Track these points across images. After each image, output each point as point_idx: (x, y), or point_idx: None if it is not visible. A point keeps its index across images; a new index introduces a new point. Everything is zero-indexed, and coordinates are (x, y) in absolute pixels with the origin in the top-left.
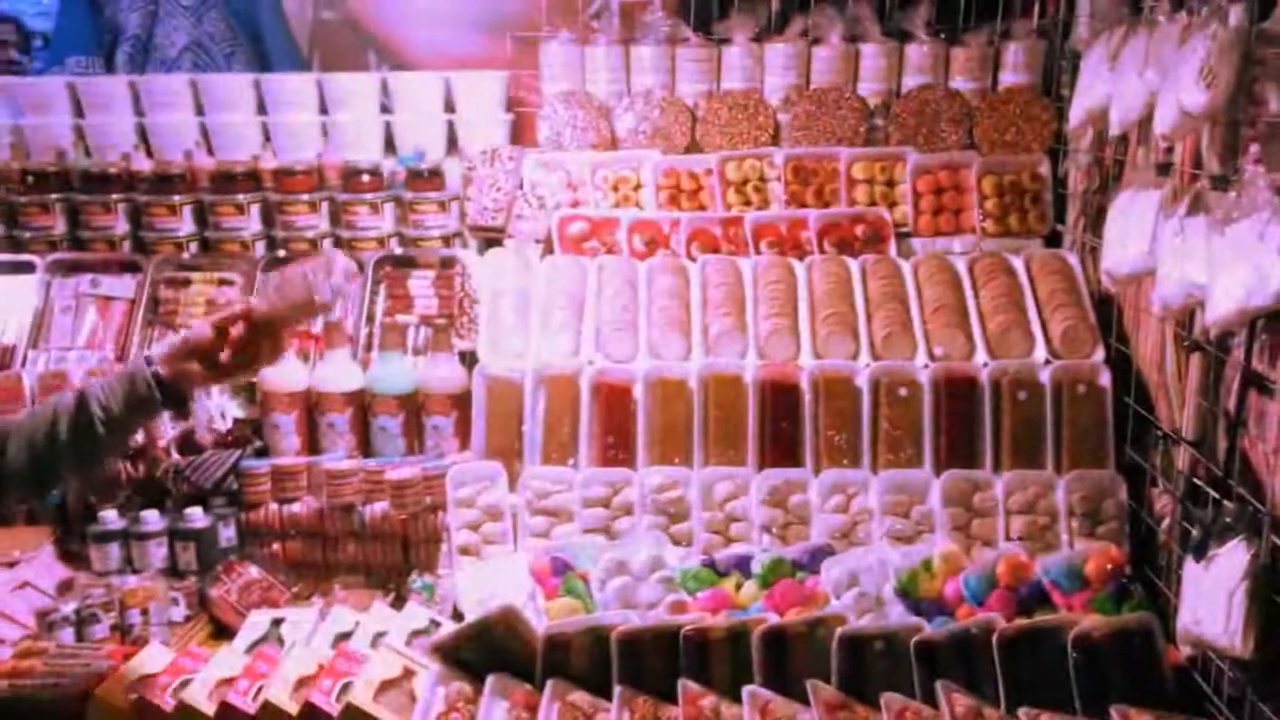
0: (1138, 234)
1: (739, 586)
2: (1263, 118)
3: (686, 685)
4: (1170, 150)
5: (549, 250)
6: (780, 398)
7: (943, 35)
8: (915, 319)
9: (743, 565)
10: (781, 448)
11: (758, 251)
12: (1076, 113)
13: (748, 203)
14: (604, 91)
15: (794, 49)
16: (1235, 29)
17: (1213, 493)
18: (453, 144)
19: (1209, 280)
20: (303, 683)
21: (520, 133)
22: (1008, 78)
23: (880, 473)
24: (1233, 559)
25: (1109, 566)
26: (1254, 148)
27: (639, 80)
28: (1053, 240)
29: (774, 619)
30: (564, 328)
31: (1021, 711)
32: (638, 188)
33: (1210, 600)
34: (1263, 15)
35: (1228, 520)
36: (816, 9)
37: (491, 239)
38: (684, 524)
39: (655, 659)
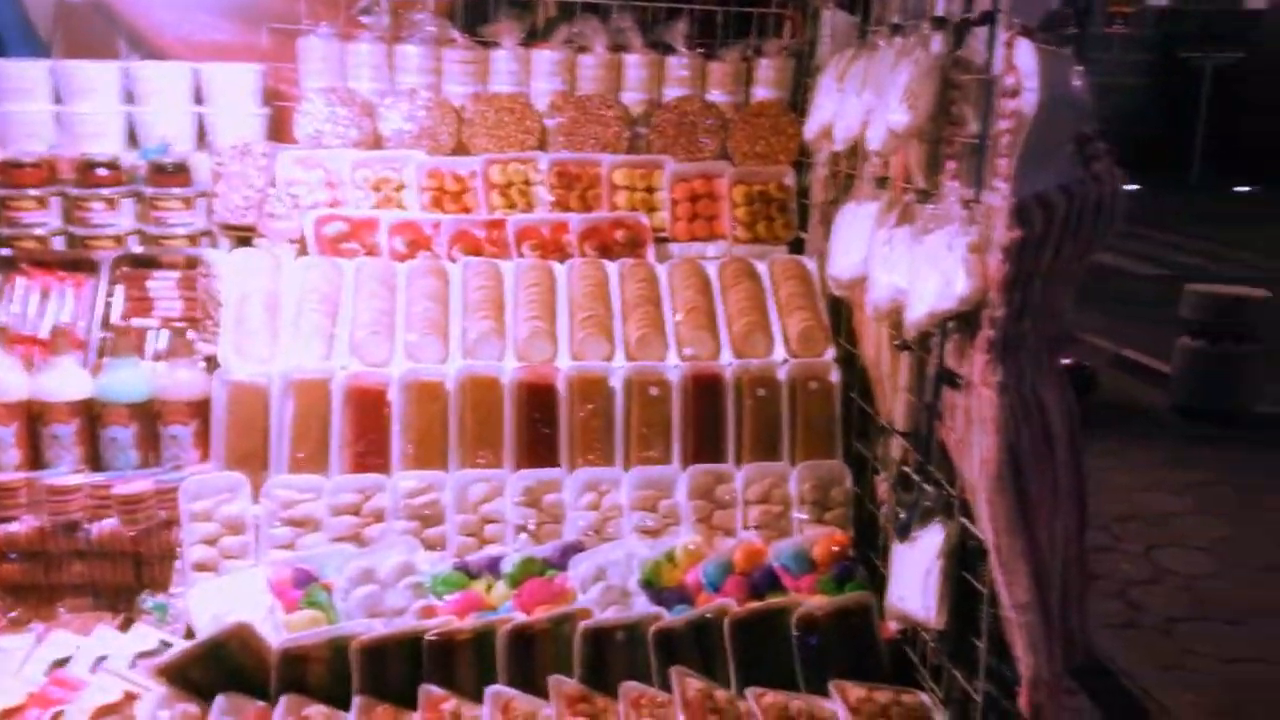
0: (857, 242)
1: (490, 588)
2: (959, 137)
3: (428, 690)
4: (887, 165)
5: (304, 251)
6: (537, 399)
7: (701, 50)
8: (668, 321)
9: (494, 567)
10: (538, 448)
11: (520, 254)
12: (811, 127)
13: (512, 205)
14: (367, 89)
15: (561, 56)
16: (935, 56)
17: (918, 479)
18: (204, 138)
19: (909, 285)
20: (8, 715)
21: (278, 128)
22: (760, 92)
23: (631, 469)
24: (930, 539)
25: (834, 550)
26: (951, 165)
27: (404, 79)
28: (797, 247)
29: (521, 618)
30: (316, 331)
31: (749, 691)
32: (400, 188)
33: (912, 577)
34: (960, 45)
35: (927, 504)
36: (583, 18)
37: (242, 238)
38: (438, 528)
39: (399, 667)
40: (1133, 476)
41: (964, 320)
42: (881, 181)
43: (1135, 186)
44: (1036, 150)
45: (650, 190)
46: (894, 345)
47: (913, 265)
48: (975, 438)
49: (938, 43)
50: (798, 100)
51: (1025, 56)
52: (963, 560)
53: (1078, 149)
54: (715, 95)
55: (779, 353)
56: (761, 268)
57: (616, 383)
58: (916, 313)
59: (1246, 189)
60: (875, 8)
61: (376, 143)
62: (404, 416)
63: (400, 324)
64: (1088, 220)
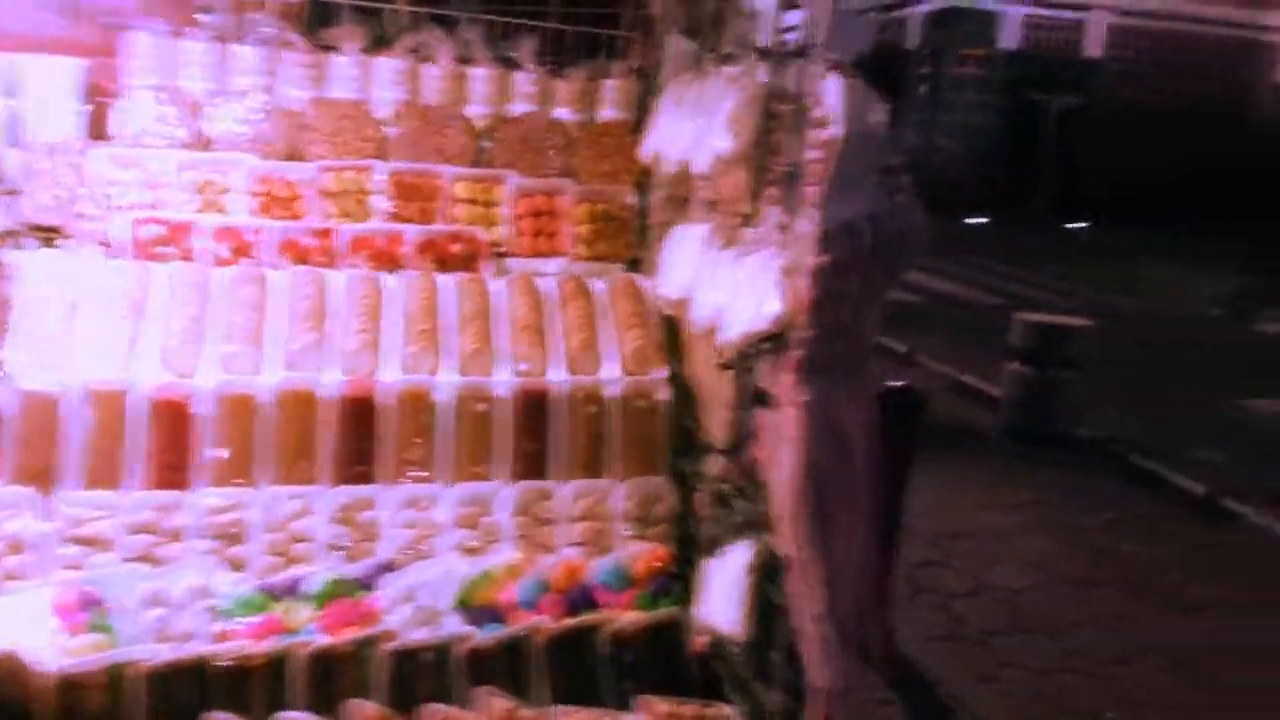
0: (686, 263)
1: (288, 611)
2: (779, 164)
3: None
4: (717, 188)
5: (120, 254)
6: (359, 414)
7: (549, 67)
8: (502, 336)
9: (298, 588)
10: (357, 465)
11: (351, 265)
12: (646, 149)
13: (347, 215)
14: (198, 89)
15: (404, 65)
16: (758, 85)
17: (735, 496)
18: (15, 133)
19: (728, 306)
20: None
21: (101, 125)
22: (606, 112)
23: (453, 485)
24: (739, 554)
25: (654, 566)
26: (772, 190)
27: (238, 81)
28: (639, 266)
29: (321, 641)
30: (119, 338)
31: (556, 709)
32: (225, 192)
33: (721, 592)
34: (781, 76)
35: (738, 520)
36: (429, 29)
37: (48, 239)
38: (242, 547)
39: (187, 694)
40: (964, 495)
41: (776, 341)
42: (712, 205)
43: (983, 220)
44: (843, 180)
45: (491, 204)
46: (717, 364)
47: (732, 287)
48: (780, 455)
49: (762, 73)
50: (642, 121)
51: (833, 91)
52: (770, 575)
53: (883, 181)
54: (561, 113)
55: (611, 370)
56: (598, 286)
57: (444, 398)
58: (732, 332)
59: (1084, 225)
60: (713, 35)
61: (205, 145)
62: (213, 430)
63: (214, 333)
64: (892, 248)
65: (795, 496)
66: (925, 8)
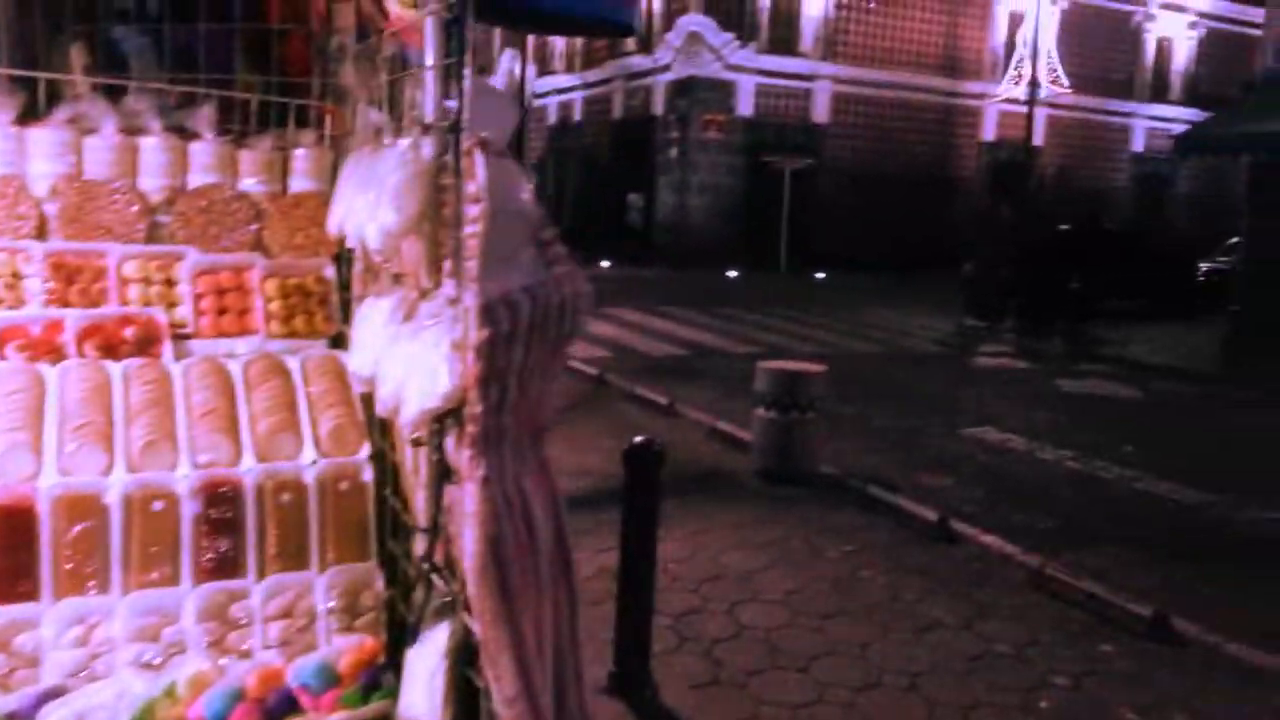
0: (373, 338)
1: None
2: (450, 237)
3: None
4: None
5: None
6: (13, 524)
7: (232, 136)
8: (181, 425)
9: None
10: (18, 581)
11: (2, 357)
12: (332, 221)
13: None
14: None
15: (64, 136)
16: (424, 160)
17: (435, 576)
18: None
19: (406, 382)
20: None
21: None
22: (298, 183)
23: (128, 596)
24: (437, 638)
25: (363, 659)
26: (447, 263)
27: None
28: (340, 342)
29: None
30: None
31: None
32: None
33: (421, 680)
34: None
35: (438, 602)
36: (90, 97)
37: None
38: None
39: None
40: (720, 539)
41: (453, 417)
42: (397, 278)
43: (734, 273)
44: (498, 254)
45: (170, 283)
46: (410, 441)
47: (409, 362)
48: (465, 531)
49: (428, 147)
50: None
51: (479, 167)
52: (468, 658)
53: (540, 253)
54: (249, 184)
55: (308, 454)
56: (293, 364)
57: (113, 499)
58: (410, 410)
59: (822, 276)
60: (394, 107)
61: None
62: None
63: None
64: (553, 319)
65: (478, 574)
66: (669, 76)
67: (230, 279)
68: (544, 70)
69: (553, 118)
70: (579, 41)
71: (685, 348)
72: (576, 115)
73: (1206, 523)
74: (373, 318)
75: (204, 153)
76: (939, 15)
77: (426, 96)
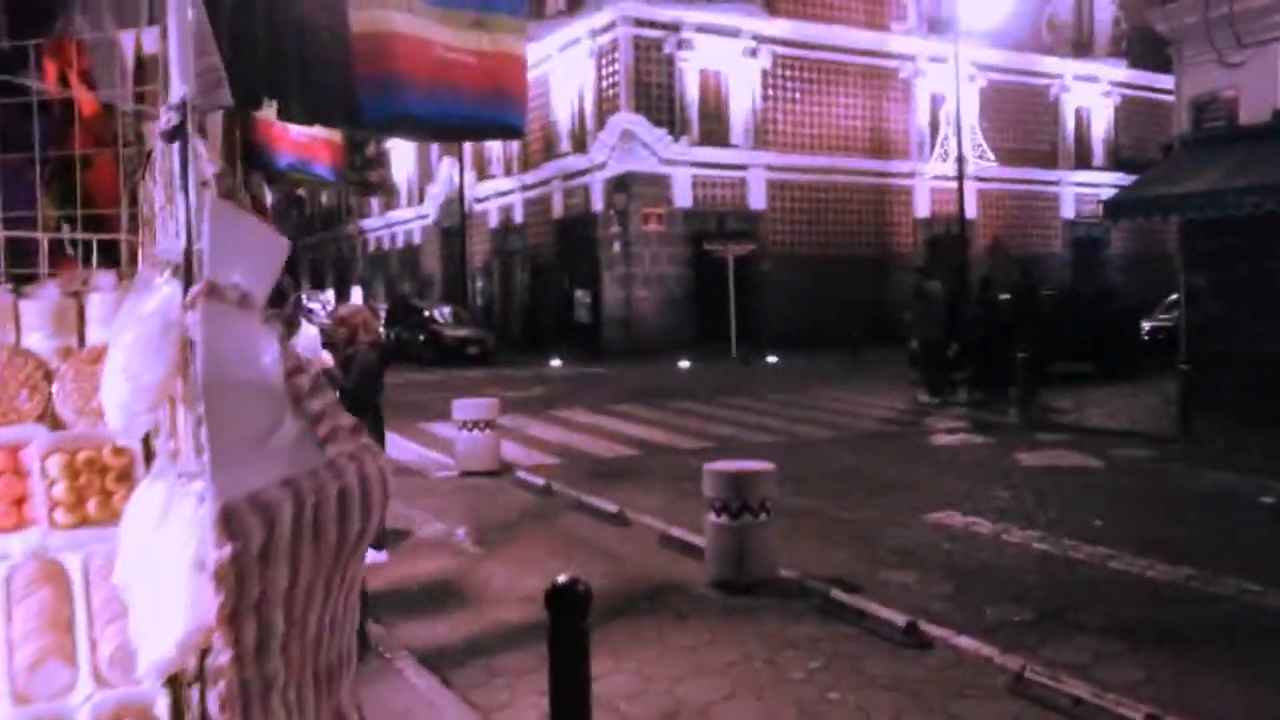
0: (132, 540)
1: None
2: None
3: None
4: None
5: None
6: None
7: (10, 285)
8: None
9: None
10: None
11: None
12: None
13: None
14: None
15: None
16: (170, 310)
17: None
18: None
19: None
20: None
21: None
22: (96, 333)
23: None
24: None
25: None
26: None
27: None
28: None
29: None
30: None
31: None
32: None
33: None
34: None
35: None
36: None
37: None
38: None
39: None
40: (674, 666)
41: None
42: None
43: (686, 363)
44: (238, 438)
45: None
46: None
47: (156, 581)
48: None
49: (174, 308)
50: None
51: (194, 325)
52: None
53: (309, 431)
54: (34, 339)
55: (82, 688)
56: (73, 564)
57: None
58: (145, 658)
59: (774, 359)
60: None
61: None
62: None
63: None
64: (331, 518)
65: None
66: (606, 173)
67: (4, 459)
68: (483, 175)
69: (494, 221)
70: (515, 145)
71: (636, 447)
72: (518, 217)
73: (1186, 600)
74: (137, 512)
75: None
76: (863, 100)
77: (163, 227)
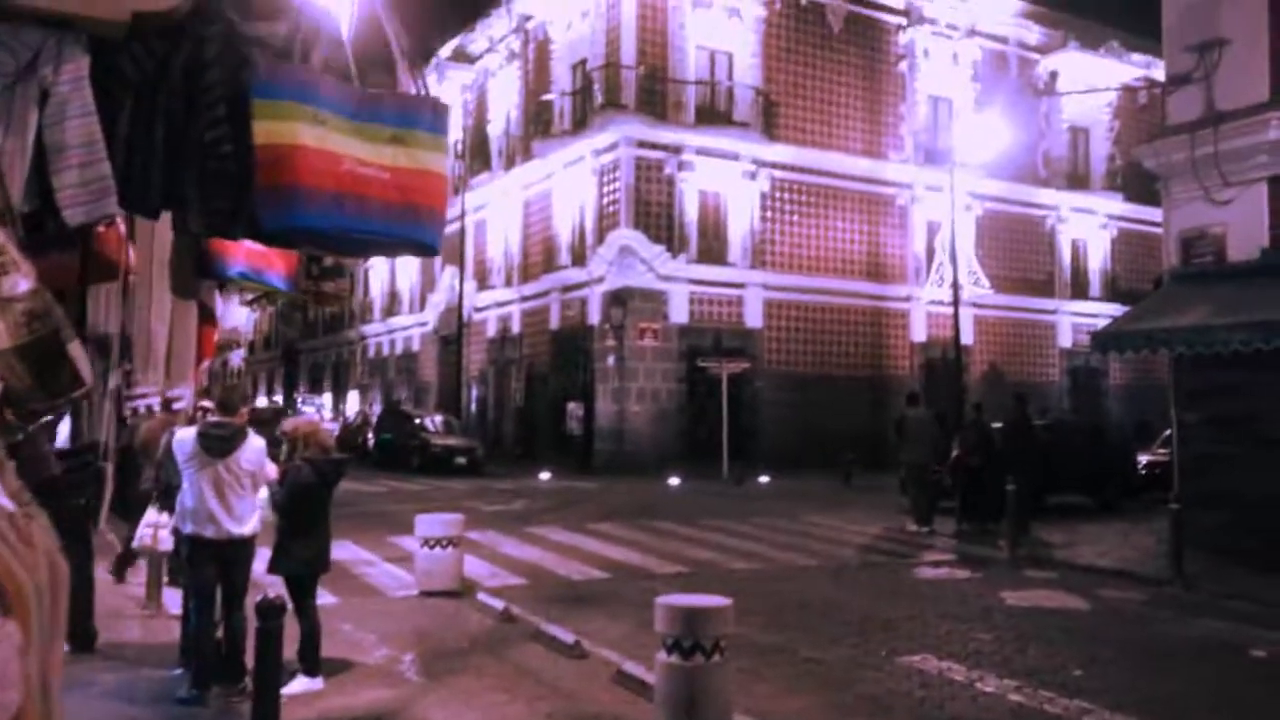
0: None
1: None
2: None
3: None
4: None
5: None
6: None
7: None
8: None
9: None
10: None
11: None
12: None
13: None
14: None
15: None
16: None
17: None
18: None
19: None
20: None
21: None
22: None
23: None
24: None
25: None
26: None
27: None
28: None
29: None
30: None
31: None
32: None
33: None
34: None
35: None
36: None
37: None
38: None
39: None
40: None
41: None
42: None
43: (676, 481)
44: None
45: None
46: None
47: None
48: None
49: None
50: None
51: None
52: None
53: None
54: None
55: None
56: None
57: None
58: None
59: (765, 480)
60: None
61: None
62: None
63: None
64: None
65: None
66: (604, 287)
67: None
68: (482, 285)
69: (492, 330)
70: (515, 256)
71: (608, 569)
72: (515, 327)
73: None
74: None
75: None
76: (860, 224)
77: None
